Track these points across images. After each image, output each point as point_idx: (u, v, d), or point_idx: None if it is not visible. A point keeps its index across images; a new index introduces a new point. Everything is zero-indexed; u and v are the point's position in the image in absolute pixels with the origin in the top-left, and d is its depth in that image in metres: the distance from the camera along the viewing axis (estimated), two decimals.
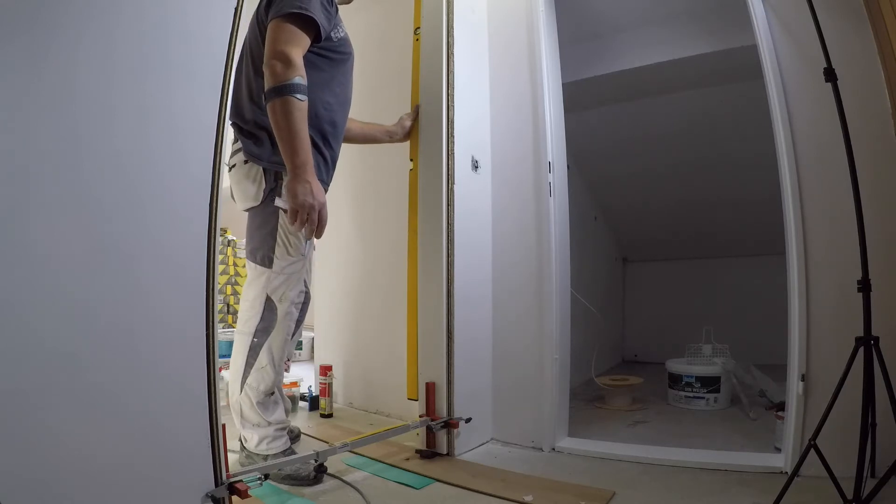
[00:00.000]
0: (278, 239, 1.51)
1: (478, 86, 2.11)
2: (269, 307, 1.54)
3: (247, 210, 1.59)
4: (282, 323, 1.56)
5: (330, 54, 1.51)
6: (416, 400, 1.87)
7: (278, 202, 1.43)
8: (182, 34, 1.11)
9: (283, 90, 1.29)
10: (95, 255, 0.96)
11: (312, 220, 1.34)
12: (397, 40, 2.42)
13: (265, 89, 1.35)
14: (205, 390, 1.08)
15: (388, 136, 2.00)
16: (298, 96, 1.30)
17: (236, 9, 1.19)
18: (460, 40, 1.98)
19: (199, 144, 1.12)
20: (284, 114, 1.29)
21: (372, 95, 2.39)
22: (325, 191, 1.53)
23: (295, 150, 1.31)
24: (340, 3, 1.70)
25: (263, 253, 1.53)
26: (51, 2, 0.92)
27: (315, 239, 1.51)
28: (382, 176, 2.47)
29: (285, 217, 1.43)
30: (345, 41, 1.58)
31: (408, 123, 2.00)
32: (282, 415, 1.62)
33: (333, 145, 1.60)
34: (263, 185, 1.50)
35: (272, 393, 1.60)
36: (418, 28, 2.05)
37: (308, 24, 1.37)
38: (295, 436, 1.93)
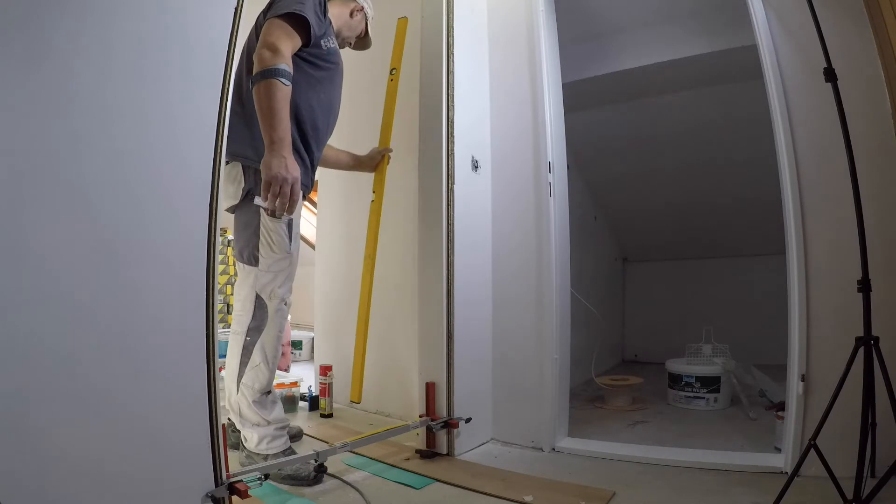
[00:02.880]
0: (261, 237, 1.54)
1: (478, 86, 2.11)
2: (259, 305, 1.57)
3: (228, 210, 1.61)
4: (273, 320, 1.58)
5: (318, 61, 1.59)
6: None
7: (257, 201, 1.46)
8: (182, 34, 1.10)
9: (269, 73, 1.35)
10: (95, 255, 0.96)
11: (284, 193, 1.36)
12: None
13: (252, 74, 1.40)
14: (205, 390, 1.08)
15: (356, 163, 2.07)
16: (283, 80, 1.36)
17: (236, 9, 1.19)
18: (460, 40, 1.98)
19: (199, 144, 1.12)
20: (267, 93, 1.34)
21: (373, 93, 2.39)
22: (307, 195, 1.63)
23: (273, 127, 1.35)
24: (356, 49, 1.90)
25: (249, 252, 1.57)
26: (49, 1, 0.92)
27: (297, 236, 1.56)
28: None
29: (266, 215, 1.48)
30: (334, 52, 1.65)
31: (376, 158, 2.06)
32: (281, 413, 1.63)
33: (313, 148, 1.64)
34: (243, 185, 1.54)
35: (269, 392, 1.61)
36: (394, 69, 2.10)
37: (300, 24, 1.44)
38: (295, 433, 1.93)
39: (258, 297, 1.56)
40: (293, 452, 1.60)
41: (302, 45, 1.49)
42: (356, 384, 2.08)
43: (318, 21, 1.50)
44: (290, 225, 1.57)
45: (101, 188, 0.97)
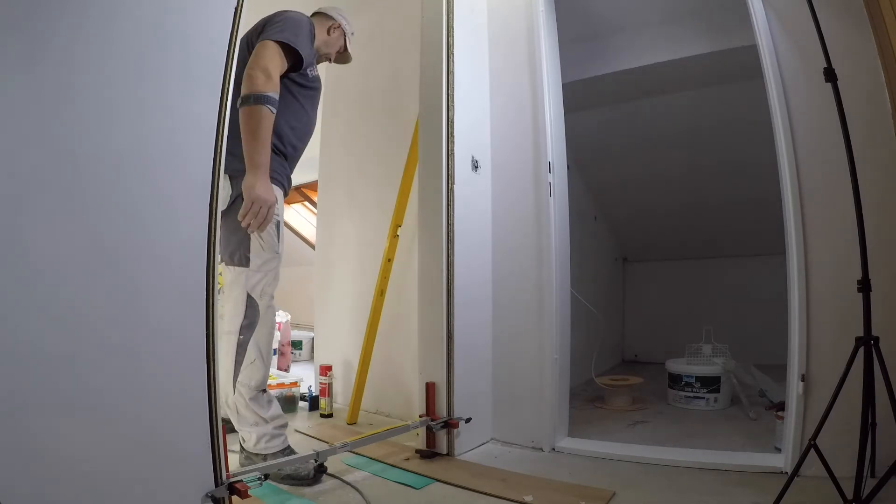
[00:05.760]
0: (252, 238, 1.60)
1: (478, 86, 2.11)
2: (250, 304, 1.60)
3: None
4: (264, 317, 1.62)
5: (300, 89, 1.70)
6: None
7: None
8: (182, 34, 1.10)
9: (260, 99, 1.46)
10: (93, 256, 0.95)
11: (262, 214, 1.50)
12: (400, 42, 2.43)
13: (241, 94, 1.48)
14: (204, 391, 1.08)
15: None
16: (270, 108, 1.49)
17: (236, 9, 1.19)
18: (460, 40, 1.98)
19: (199, 145, 1.11)
20: (257, 119, 1.46)
21: (373, 94, 2.39)
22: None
23: (258, 152, 1.48)
24: (337, 63, 1.98)
25: (241, 253, 1.61)
26: (48, 1, 0.92)
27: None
28: (382, 180, 2.47)
29: None
30: (317, 79, 1.78)
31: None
32: (278, 411, 1.64)
33: (290, 165, 1.74)
34: (230, 192, 1.60)
35: (265, 390, 1.63)
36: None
37: (290, 54, 1.58)
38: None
39: (249, 297, 1.60)
40: (292, 451, 1.60)
41: (290, 71, 1.61)
42: (354, 408, 2.24)
43: (308, 52, 1.62)
44: (278, 226, 1.64)
45: (99, 189, 0.97)
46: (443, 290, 1.84)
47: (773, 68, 1.61)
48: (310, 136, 1.82)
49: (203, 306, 1.09)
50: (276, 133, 1.62)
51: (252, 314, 1.59)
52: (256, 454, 1.55)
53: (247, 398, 1.56)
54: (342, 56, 1.97)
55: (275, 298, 1.66)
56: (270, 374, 2.75)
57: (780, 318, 1.65)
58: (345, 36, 1.91)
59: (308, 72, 1.68)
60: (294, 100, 1.66)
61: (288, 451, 1.59)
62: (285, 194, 1.75)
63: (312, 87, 1.73)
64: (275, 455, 1.54)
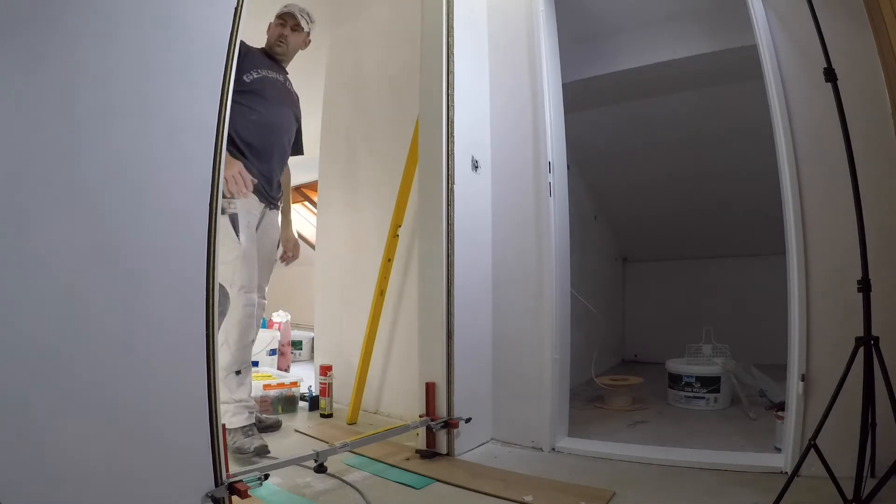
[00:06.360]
0: None
1: (478, 86, 2.11)
2: (222, 294, 1.74)
3: None
4: (234, 305, 1.74)
5: (242, 88, 1.85)
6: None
7: None
8: (182, 34, 1.10)
9: None
10: (94, 254, 0.96)
11: (237, 179, 1.72)
12: (400, 42, 2.43)
13: None
14: (204, 390, 1.08)
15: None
16: None
17: (236, 9, 1.19)
18: (460, 40, 1.98)
19: (200, 144, 1.12)
20: None
21: (373, 94, 2.38)
22: (277, 206, 2.06)
23: None
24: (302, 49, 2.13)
25: None
26: (50, 2, 0.92)
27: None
28: (382, 180, 2.47)
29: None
30: (259, 80, 1.94)
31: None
32: (245, 394, 1.77)
33: (255, 161, 1.88)
34: None
35: (238, 372, 1.75)
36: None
37: None
38: (273, 423, 2.10)
39: (221, 287, 1.72)
40: (254, 430, 1.74)
41: None
42: (354, 408, 2.27)
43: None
44: (233, 219, 1.76)
45: (100, 187, 0.97)
46: (443, 290, 1.84)
47: (773, 68, 1.61)
48: (276, 132, 1.95)
49: (203, 305, 1.09)
50: (228, 136, 1.78)
51: (224, 302, 1.75)
52: None
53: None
54: (286, 21, 2.06)
55: (248, 288, 1.78)
56: (270, 373, 2.77)
57: (780, 318, 1.65)
58: (274, 23, 2.06)
59: (244, 78, 1.87)
60: (240, 105, 1.81)
61: (248, 429, 1.73)
62: (262, 195, 1.90)
63: (251, 89, 1.89)
64: (236, 431, 1.70)
